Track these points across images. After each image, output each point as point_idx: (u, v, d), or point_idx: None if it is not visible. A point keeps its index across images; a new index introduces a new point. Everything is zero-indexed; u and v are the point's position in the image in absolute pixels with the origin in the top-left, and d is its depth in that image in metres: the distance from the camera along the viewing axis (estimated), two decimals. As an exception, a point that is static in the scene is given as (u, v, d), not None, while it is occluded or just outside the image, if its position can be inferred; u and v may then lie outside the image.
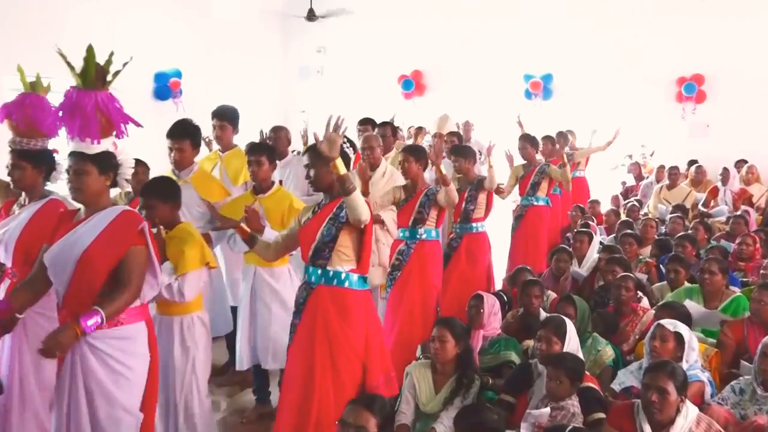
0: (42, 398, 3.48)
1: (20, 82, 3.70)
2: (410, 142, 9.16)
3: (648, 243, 6.54)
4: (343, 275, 3.53)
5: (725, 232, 7.13)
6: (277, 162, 5.41)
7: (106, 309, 2.90)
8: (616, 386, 3.77)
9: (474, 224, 5.69)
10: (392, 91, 12.97)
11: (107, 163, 3.05)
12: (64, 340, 2.85)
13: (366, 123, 6.61)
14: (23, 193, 3.73)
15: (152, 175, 4.53)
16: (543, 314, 4.60)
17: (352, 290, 3.55)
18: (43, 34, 7.91)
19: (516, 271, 5.54)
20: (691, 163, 10.06)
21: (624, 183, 11.16)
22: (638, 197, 9.41)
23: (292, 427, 3.50)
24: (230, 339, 4.95)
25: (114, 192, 3.43)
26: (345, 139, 3.91)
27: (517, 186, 7.30)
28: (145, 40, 9.71)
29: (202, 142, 5.03)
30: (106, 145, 3.04)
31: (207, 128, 5.39)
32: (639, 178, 10.89)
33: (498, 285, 6.25)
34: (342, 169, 3.34)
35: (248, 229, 3.83)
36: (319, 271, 3.54)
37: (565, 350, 3.58)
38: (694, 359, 3.63)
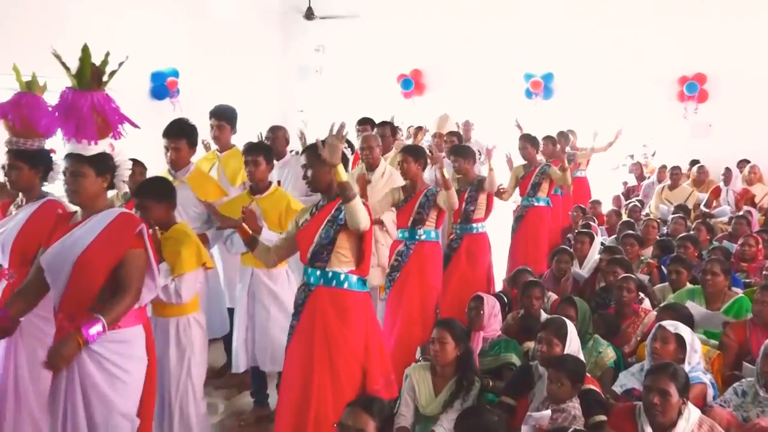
0: (37, 399, 3.48)
1: (16, 82, 3.70)
2: (409, 142, 9.17)
3: (650, 244, 6.54)
4: (343, 276, 3.53)
5: (727, 232, 7.13)
6: (275, 162, 5.44)
7: (107, 316, 2.90)
8: (617, 388, 3.77)
9: (474, 225, 5.68)
10: (391, 91, 12.97)
11: (104, 164, 3.04)
12: (67, 353, 2.85)
13: (365, 123, 6.61)
14: (20, 194, 3.73)
15: (149, 175, 4.52)
16: (544, 316, 4.60)
17: (351, 292, 3.55)
18: (39, 33, 7.90)
19: (516, 272, 5.54)
20: (693, 163, 10.07)
21: (625, 183, 11.17)
22: (640, 197, 9.42)
23: (291, 429, 3.50)
24: (228, 341, 4.95)
25: (111, 192, 3.42)
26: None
27: (517, 186, 7.29)
28: (142, 39, 9.70)
29: (201, 144, 5.02)
30: (102, 146, 3.03)
31: (205, 128, 5.38)
32: (640, 178, 10.89)
33: (498, 286, 6.25)
34: (343, 176, 3.34)
35: (250, 231, 3.81)
36: (318, 273, 3.54)
37: (566, 352, 3.58)
38: (696, 361, 3.63)
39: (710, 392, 3.59)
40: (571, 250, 6.05)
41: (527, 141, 7.25)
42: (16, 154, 3.60)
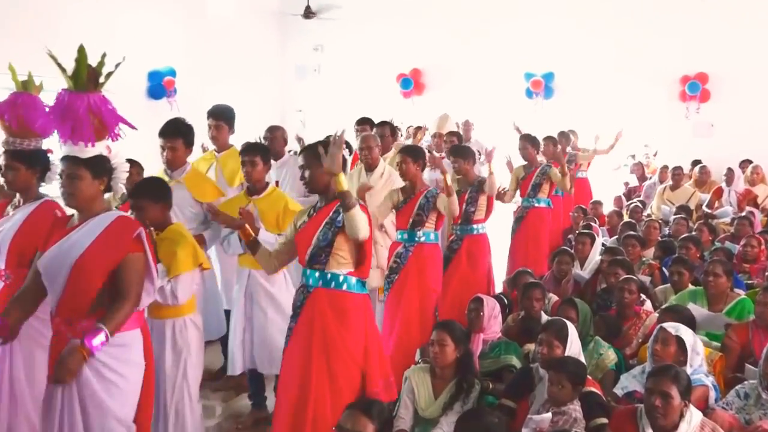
0: (33, 401, 3.48)
1: (12, 81, 3.70)
2: (409, 142, 9.17)
3: (651, 245, 6.55)
4: (342, 278, 3.52)
5: (730, 233, 7.13)
6: (274, 162, 5.43)
7: (109, 324, 2.90)
8: (618, 391, 3.77)
9: (475, 226, 5.68)
10: (391, 90, 12.99)
11: (101, 167, 3.03)
12: (73, 366, 2.85)
13: (364, 123, 6.61)
14: (17, 195, 3.73)
15: (146, 175, 4.52)
16: (544, 317, 4.60)
17: (350, 293, 3.55)
18: (36, 32, 7.91)
19: (517, 274, 5.54)
20: (695, 163, 10.07)
21: (627, 183, 11.18)
22: (641, 198, 9.43)
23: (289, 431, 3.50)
24: (225, 343, 4.94)
25: (107, 194, 3.42)
26: None
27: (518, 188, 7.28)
28: (139, 38, 9.71)
29: (201, 149, 5.01)
30: (99, 148, 3.02)
31: (202, 128, 5.38)
32: (642, 178, 10.91)
33: (498, 287, 6.25)
34: (344, 185, 3.35)
35: (252, 233, 3.79)
36: (317, 274, 3.54)
37: (566, 354, 3.58)
38: (698, 363, 3.62)
39: (712, 395, 3.59)
40: (572, 251, 6.05)
41: (527, 141, 7.24)
42: (13, 154, 3.60)
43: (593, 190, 9.75)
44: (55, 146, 3.45)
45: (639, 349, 4.39)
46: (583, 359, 3.68)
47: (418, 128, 9.15)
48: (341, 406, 3.17)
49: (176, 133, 4.59)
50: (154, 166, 4.88)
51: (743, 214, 7.43)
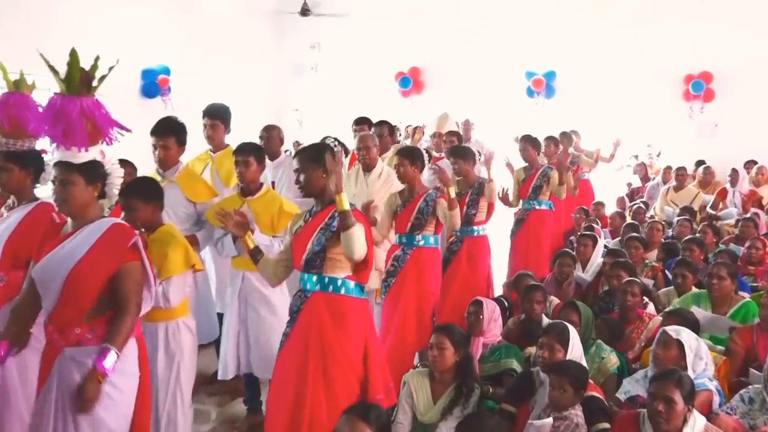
0: (26, 402, 3.47)
1: (3, 81, 3.70)
2: (408, 142, 9.18)
3: (654, 247, 6.56)
4: (340, 282, 3.52)
5: (734, 235, 7.15)
6: (270, 162, 5.43)
7: (116, 342, 2.91)
8: (621, 395, 3.77)
9: (475, 227, 5.68)
10: (389, 89, 13.00)
11: (95, 172, 3.01)
12: (92, 394, 2.86)
13: (362, 123, 6.60)
14: (11, 196, 3.73)
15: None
16: (545, 320, 4.60)
17: (348, 297, 3.54)
18: (28, 29, 7.93)
19: (517, 277, 5.53)
20: (699, 163, 10.09)
21: (629, 184, 11.18)
22: (644, 199, 9.43)
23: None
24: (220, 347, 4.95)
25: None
26: (336, 142, 3.91)
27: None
28: (132, 35, 9.72)
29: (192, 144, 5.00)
30: (93, 153, 3.01)
31: (197, 127, 5.39)
32: (645, 179, 10.92)
33: (498, 290, 6.25)
34: (345, 205, 3.36)
35: (252, 242, 3.74)
36: (314, 278, 3.54)
37: (568, 358, 3.58)
38: (702, 368, 3.63)
39: (716, 399, 3.60)
40: (574, 253, 6.06)
41: (528, 142, 7.20)
42: (6, 155, 3.60)
43: (595, 191, 9.76)
44: (48, 147, 3.45)
45: (642, 352, 4.39)
46: (584, 363, 3.68)
47: (417, 128, 9.15)
48: (338, 411, 3.16)
49: (168, 132, 4.59)
50: (148, 166, 4.88)
51: (748, 215, 7.44)
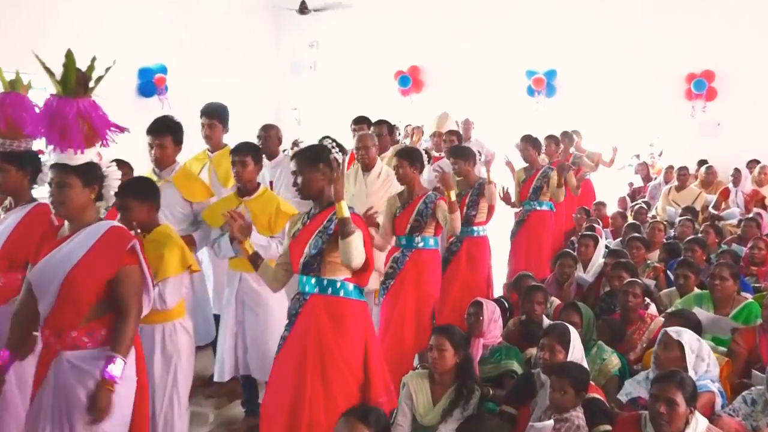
0: (23, 398, 3.47)
1: (-1, 81, 3.71)
2: (407, 141, 9.18)
3: (656, 247, 6.56)
4: (339, 284, 3.51)
5: (737, 235, 7.15)
6: (269, 162, 5.43)
7: (121, 348, 2.92)
8: (622, 397, 3.78)
9: (475, 228, 5.68)
10: (388, 88, 13.00)
11: (92, 174, 3.00)
12: (104, 404, 2.87)
13: (361, 122, 6.61)
14: (8, 197, 3.73)
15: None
16: (546, 321, 4.60)
17: (347, 300, 3.53)
18: (24, 27, 7.93)
19: (518, 278, 5.53)
20: (701, 163, 10.10)
21: (631, 184, 11.19)
22: (646, 199, 9.44)
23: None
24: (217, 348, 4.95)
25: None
26: (334, 143, 3.92)
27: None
28: (129, 34, 9.72)
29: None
30: (89, 155, 2.99)
31: (195, 127, 5.39)
32: (647, 179, 10.92)
33: (498, 291, 6.26)
34: (345, 212, 3.36)
35: (252, 249, 3.73)
36: (313, 280, 3.53)
37: (569, 359, 3.59)
38: (704, 370, 3.63)
39: (718, 401, 3.60)
40: (575, 253, 6.06)
41: (528, 142, 7.17)
42: (3, 156, 3.60)
43: (597, 190, 9.76)
44: (45, 147, 3.45)
45: (643, 354, 4.40)
46: (585, 365, 3.69)
47: (417, 128, 9.15)
48: (336, 414, 3.16)
49: (165, 130, 4.58)
50: (144, 167, 4.88)
51: (750, 215, 7.44)
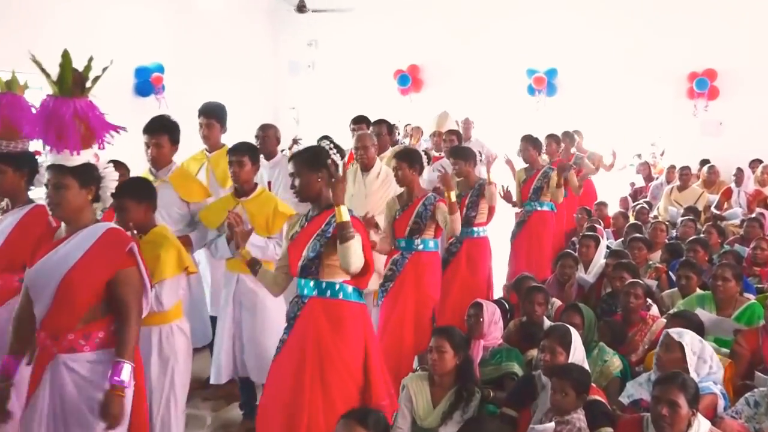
0: (19, 399, 3.46)
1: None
2: (407, 141, 9.19)
3: (658, 247, 6.56)
4: (337, 287, 3.51)
5: (739, 235, 7.15)
6: (266, 162, 5.43)
7: (125, 353, 2.92)
8: (624, 399, 3.78)
9: (475, 228, 5.67)
10: (388, 87, 13.01)
11: (88, 176, 3.00)
12: (116, 410, 2.88)
13: (360, 122, 6.60)
14: (5, 198, 3.73)
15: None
16: (547, 323, 4.60)
17: (346, 302, 3.53)
18: (20, 26, 7.93)
19: (518, 279, 5.53)
20: (704, 162, 10.10)
21: (633, 184, 11.19)
22: (648, 199, 9.44)
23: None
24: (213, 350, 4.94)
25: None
26: (332, 145, 3.92)
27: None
28: (126, 33, 9.72)
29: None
30: (86, 156, 2.99)
31: (193, 126, 5.38)
32: (648, 178, 10.93)
33: (498, 292, 6.25)
34: (345, 216, 3.35)
35: (250, 255, 3.75)
36: (312, 283, 3.53)
37: (570, 361, 3.59)
38: (705, 371, 3.64)
39: (721, 403, 3.61)
40: (576, 254, 6.06)
41: (528, 142, 7.15)
42: (0, 157, 3.60)
43: (598, 190, 9.76)
44: (42, 148, 3.45)
45: (645, 355, 4.40)
46: (587, 366, 3.69)
47: (416, 128, 9.15)
48: (335, 417, 3.15)
49: (161, 129, 4.58)
50: (141, 167, 4.88)
51: (753, 215, 7.45)
